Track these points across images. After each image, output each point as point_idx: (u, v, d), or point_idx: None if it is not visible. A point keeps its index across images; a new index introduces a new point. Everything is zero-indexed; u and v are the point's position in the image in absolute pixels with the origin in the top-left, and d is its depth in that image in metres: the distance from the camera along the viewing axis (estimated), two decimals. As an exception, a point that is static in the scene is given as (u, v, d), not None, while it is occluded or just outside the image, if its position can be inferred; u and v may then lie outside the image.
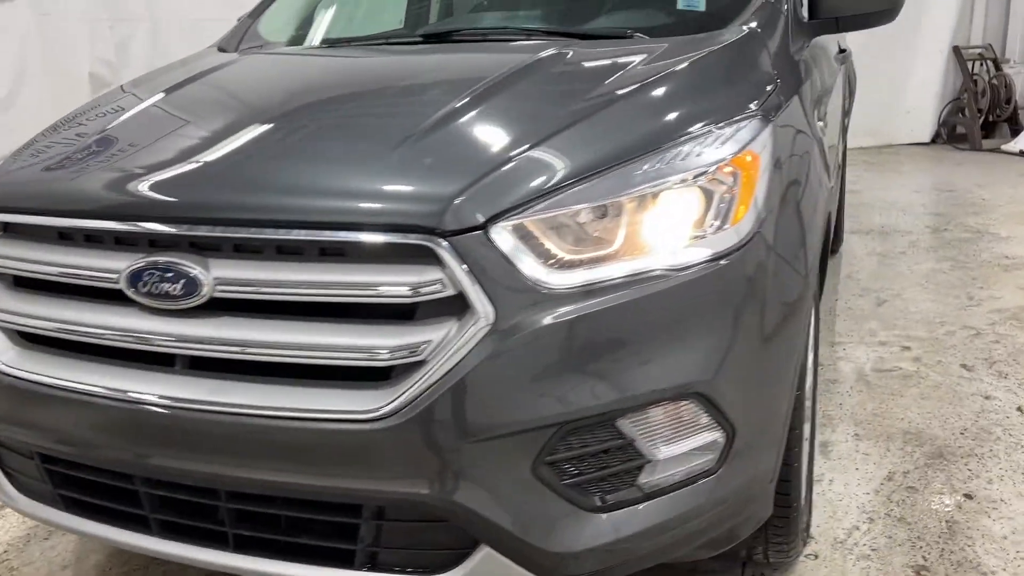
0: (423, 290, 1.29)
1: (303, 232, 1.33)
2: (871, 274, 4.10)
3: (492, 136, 1.47)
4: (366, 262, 1.33)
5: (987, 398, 2.79)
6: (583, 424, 1.34)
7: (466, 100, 1.58)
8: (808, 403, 1.93)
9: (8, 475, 1.69)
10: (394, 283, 1.30)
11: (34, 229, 1.56)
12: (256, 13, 2.64)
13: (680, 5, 2.16)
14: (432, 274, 1.29)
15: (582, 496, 1.38)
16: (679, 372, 1.37)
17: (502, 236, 1.31)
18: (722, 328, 1.41)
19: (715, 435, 1.45)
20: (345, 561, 1.42)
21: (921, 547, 2.04)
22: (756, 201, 1.48)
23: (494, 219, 1.31)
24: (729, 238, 1.43)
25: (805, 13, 2.28)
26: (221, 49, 2.47)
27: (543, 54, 1.83)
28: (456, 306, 1.30)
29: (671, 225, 1.41)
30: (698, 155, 1.46)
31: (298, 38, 2.43)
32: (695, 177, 1.43)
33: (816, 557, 2.01)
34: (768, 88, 1.76)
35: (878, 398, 2.81)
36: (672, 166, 1.43)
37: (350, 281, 1.32)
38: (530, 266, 1.31)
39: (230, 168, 1.47)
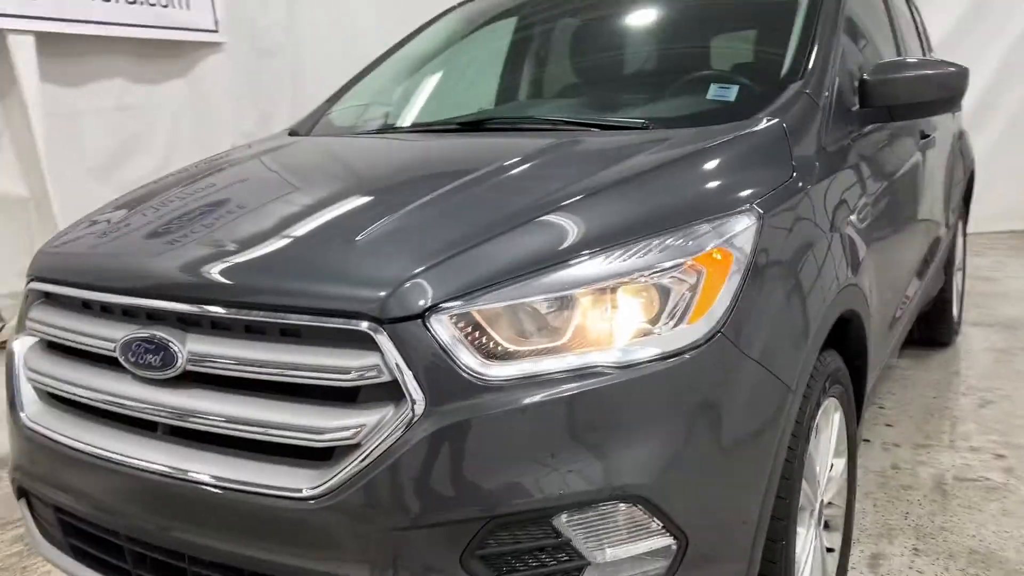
0: (363, 375, 1.34)
1: (264, 313, 1.42)
2: (982, 372, 3.79)
3: (456, 226, 1.50)
4: (317, 344, 1.39)
5: (1078, 521, 2.51)
6: (514, 519, 1.33)
7: (446, 190, 1.64)
8: (815, 513, 1.82)
9: (36, 522, 1.85)
10: (339, 367, 1.35)
11: (65, 299, 1.73)
12: (333, 99, 2.83)
13: (710, 95, 2.15)
14: (371, 359, 1.33)
15: (517, 593, 1.36)
16: (617, 473, 1.34)
17: (441, 325, 1.34)
18: (669, 431, 1.37)
19: (666, 541, 1.39)
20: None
21: None
22: (721, 300, 1.44)
23: (434, 307, 1.34)
24: (683, 337, 1.39)
25: (856, 101, 2.22)
26: (292, 132, 2.66)
27: (544, 145, 1.87)
28: (394, 392, 1.33)
29: (622, 321, 1.39)
30: (661, 251, 1.44)
31: (352, 125, 2.57)
32: (653, 274, 1.42)
33: None
34: (773, 183, 1.72)
35: (951, 510, 2.58)
36: (632, 262, 1.42)
37: (302, 362, 1.38)
38: (467, 356, 1.33)
39: (214, 250, 1.59)
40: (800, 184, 1.79)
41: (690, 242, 1.47)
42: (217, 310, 1.46)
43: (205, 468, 1.45)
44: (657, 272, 1.42)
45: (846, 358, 2.01)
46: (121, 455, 1.54)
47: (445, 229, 1.50)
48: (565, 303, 1.39)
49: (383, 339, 1.32)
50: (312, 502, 1.34)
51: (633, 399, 1.36)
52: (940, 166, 3.29)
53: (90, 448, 1.58)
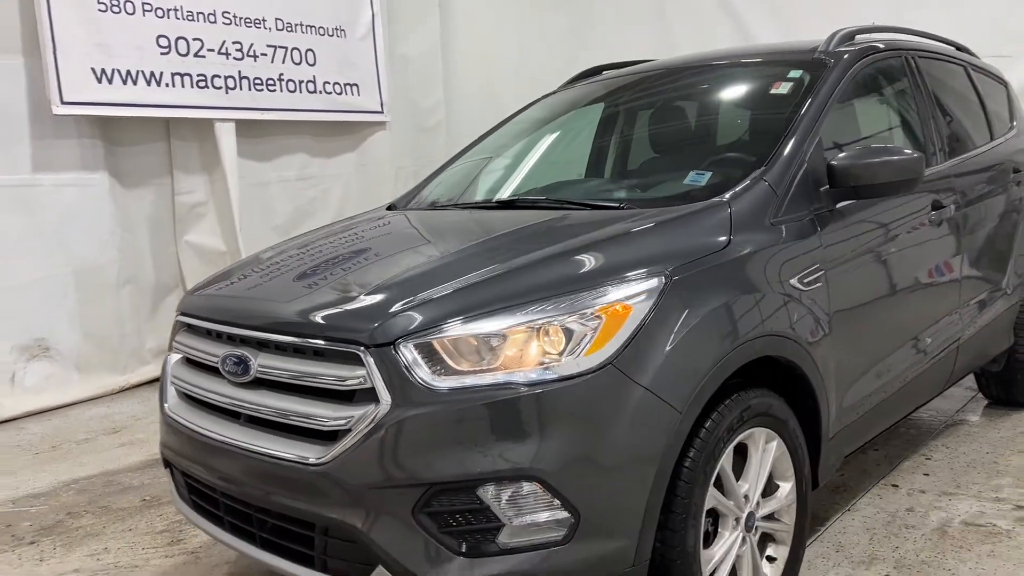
0: (353, 382, 1.98)
1: (302, 340, 2.10)
2: (1050, 432, 3.87)
3: (432, 280, 2.12)
4: (332, 361, 2.05)
5: (1064, 565, 2.69)
6: (447, 488, 1.91)
7: (440, 253, 2.28)
8: (741, 520, 2.24)
9: (175, 485, 2.62)
10: (342, 376, 2.00)
11: (196, 328, 2.50)
12: (427, 181, 3.56)
13: (686, 181, 2.65)
14: (360, 372, 1.97)
15: (451, 541, 1.92)
16: (522, 459, 1.88)
17: (406, 350, 1.95)
18: (563, 432, 1.90)
19: (564, 515, 1.92)
20: (311, 564, 2.10)
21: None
22: (616, 340, 1.96)
23: (402, 338, 1.96)
24: (579, 365, 1.93)
25: (826, 181, 2.63)
26: (390, 207, 3.40)
27: (536, 220, 2.46)
28: (374, 395, 1.96)
29: (535, 353, 1.95)
30: (574, 303, 1.99)
31: (433, 202, 3.27)
32: (563, 320, 1.97)
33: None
34: (700, 252, 2.22)
35: (941, 549, 2.83)
36: (549, 311, 1.98)
37: (322, 373, 2.04)
38: (422, 371, 1.94)
39: (281, 298, 2.30)
40: (731, 252, 2.27)
41: (597, 298, 2.01)
42: (276, 337, 2.16)
43: (263, 444, 2.13)
44: (566, 318, 1.97)
45: (796, 400, 2.43)
46: (219, 435, 2.26)
47: (424, 282, 2.13)
48: (496, 338, 1.96)
49: (368, 359, 1.96)
50: (317, 468, 1.98)
51: (537, 408, 1.91)
52: (979, 234, 3.51)
53: (202, 430, 2.32)
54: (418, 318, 1.99)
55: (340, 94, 6.38)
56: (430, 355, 1.96)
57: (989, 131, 3.97)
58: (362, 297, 2.15)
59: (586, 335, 1.96)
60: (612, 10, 8.01)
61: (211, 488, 2.36)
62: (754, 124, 2.97)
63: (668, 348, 2.04)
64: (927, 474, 3.47)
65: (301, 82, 6.09)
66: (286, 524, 2.14)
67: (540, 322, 1.97)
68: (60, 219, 5.12)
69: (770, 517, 2.41)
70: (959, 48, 4.29)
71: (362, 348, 1.98)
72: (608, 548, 1.96)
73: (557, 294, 2.02)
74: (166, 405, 2.52)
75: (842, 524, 3.05)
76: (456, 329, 1.97)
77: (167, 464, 2.61)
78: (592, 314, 1.98)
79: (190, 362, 2.51)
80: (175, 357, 2.58)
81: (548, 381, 1.92)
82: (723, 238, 2.31)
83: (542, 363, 1.94)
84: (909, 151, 2.61)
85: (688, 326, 2.09)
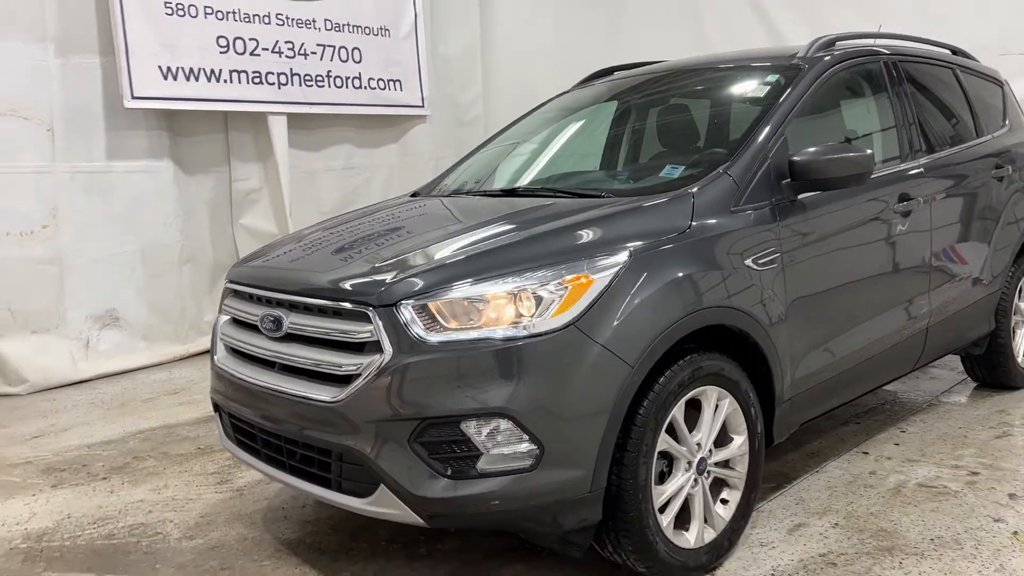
0: (363, 336, 2.42)
1: (324, 302, 2.55)
2: (1026, 412, 4.14)
3: (434, 252, 2.57)
4: (347, 319, 2.49)
5: (997, 520, 3.00)
6: (436, 422, 2.34)
7: (445, 231, 2.72)
8: (693, 464, 2.63)
9: (221, 425, 3.11)
10: (355, 331, 2.45)
11: (240, 293, 2.98)
12: (448, 171, 4.00)
13: (661, 174, 3.04)
14: (368, 327, 2.41)
15: (439, 465, 2.35)
16: (496, 399, 2.30)
17: (405, 310, 2.39)
18: (531, 378, 2.32)
19: (531, 446, 2.33)
20: (328, 485, 2.55)
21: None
22: (579, 306, 2.37)
23: (402, 300, 2.39)
24: (546, 326, 2.34)
25: (788, 175, 2.99)
26: (414, 194, 3.84)
27: (530, 206, 2.88)
28: (379, 346, 2.40)
29: (511, 314, 2.37)
30: (547, 274, 2.40)
31: (452, 190, 3.70)
32: (536, 288, 2.38)
33: (702, 586, 2.65)
34: (662, 233, 2.61)
35: (891, 504, 3.17)
36: (524, 280, 2.40)
37: (340, 328, 2.49)
38: (417, 328, 2.37)
39: (309, 268, 2.77)
40: (691, 236, 2.65)
41: (565, 270, 2.41)
42: (304, 299, 2.61)
43: (292, 387, 2.59)
44: (537, 287, 2.38)
45: (752, 366, 2.81)
46: (257, 381, 2.73)
47: (424, 256, 2.57)
48: (480, 302, 2.39)
49: (375, 317, 2.40)
50: (335, 405, 2.43)
51: (509, 359, 2.32)
52: (953, 225, 3.81)
53: (243, 377, 2.79)
54: (416, 284, 2.43)
55: (384, 89, 6.85)
56: (424, 314, 2.39)
57: (976, 129, 4.25)
58: (373, 268, 2.60)
59: (554, 301, 2.38)
60: (646, 8, 8.34)
61: (251, 425, 2.83)
62: (730, 123, 3.33)
63: (624, 314, 2.44)
64: (897, 444, 3.80)
65: (347, 78, 6.57)
66: (310, 453, 2.60)
67: (516, 290, 2.39)
68: (129, 202, 5.69)
69: (725, 465, 2.79)
70: (955, 52, 4.57)
71: (370, 308, 2.42)
72: (568, 476, 2.37)
73: (532, 267, 2.43)
74: (216, 357, 3.00)
75: (808, 483, 3.41)
76: (446, 294, 2.40)
77: (216, 408, 3.09)
78: (560, 284, 2.39)
79: (235, 322, 2.99)
80: (224, 318, 3.06)
81: (520, 337, 2.34)
82: (685, 223, 2.70)
83: (516, 323, 2.36)
84: (861, 149, 2.95)
85: (642, 296, 2.48)
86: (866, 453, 3.70)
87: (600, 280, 2.43)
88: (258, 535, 3.16)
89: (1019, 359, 4.47)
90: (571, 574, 2.75)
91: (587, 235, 2.61)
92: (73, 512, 3.43)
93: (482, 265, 2.47)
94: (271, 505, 3.42)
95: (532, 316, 2.37)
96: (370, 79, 6.74)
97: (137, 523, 3.31)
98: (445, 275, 2.45)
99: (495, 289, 2.40)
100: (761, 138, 3.00)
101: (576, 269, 2.43)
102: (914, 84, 3.86)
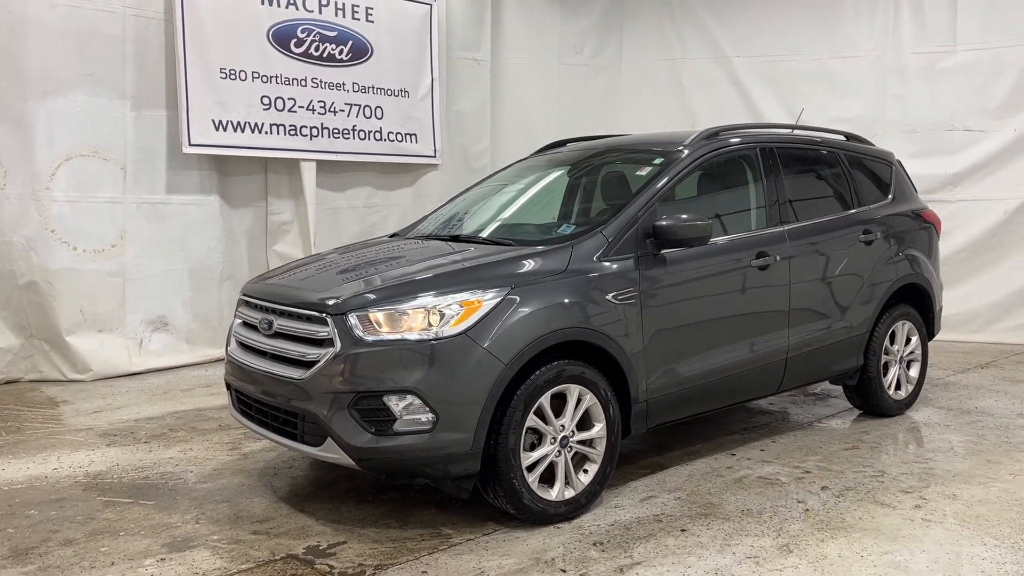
0: (323, 334, 3.54)
1: (296, 309, 3.67)
2: (883, 433, 5.05)
3: (378, 279, 3.70)
4: (312, 322, 3.61)
5: (800, 502, 3.96)
6: (367, 395, 3.43)
7: (394, 261, 3.85)
8: (557, 439, 3.67)
9: (231, 398, 4.23)
10: (317, 331, 3.57)
11: (247, 302, 4.11)
12: (424, 218, 5.13)
13: (558, 230, 4.13)
14: (326, 329, 3.53)
15: (368, 425, 3.44)
16: (407, 381, 3.39)
17: (351, 317, 3.49)
18: (434, 367, 3.39)
19: (431, 415, 3.41)
20: (295, 438, 3.66)
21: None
22: (469, 320, 3.46)
23: (349, 310, 3.50)
24: (447, 332, 3.43)
25: (652, 235, 4.05)
26: (393, 235, 4.98)
27: (457, 248, 4.01)
28: (332, 342, 3.51)
29: (423, 324, 3.46)
30: (452, 298, 3.49)
31: (423, 234, 4.81)
32: (443, 306, 3.47)
33: (559, 528, 3.67)
34: (542, 273, 3.69)
35: (729, 489, 4.14)
36: (436, 300, 3.49)
37: (307, 329, 3.61)
38: (359, 330, 3.47)
39: (292, 286, 3.91)
40: (565, 276, 3.73)
41: (465, 295, 3.50)
42: (287, 308, 3.75)
43: (277, 369, 3.71)
44: (445, 305, 3.47)
45: (614, 373, 3.86)
46: (254, 365, 3.85)
47: (372, 280, 3.70)
48: (403, 314, 3.48)
49: (330, 322, 3.51)
50: (302, 381, 3.54)
51: (420, 354, 3.41)
52: (816, 278, 4.80)
53: (246, 363, 3.92)
54: (361, 301, 3.54)
55: (401, 141, 8.04)
56: (365, 321, 3.50)
57: (854, 201, 5.23)
58: (334, 288, 3.72)
59: (454, 316, 3.47)
60: (638, 82, 9.48)
61: (249, 397, 3.96)
62: (619, 194, 4.39)
63: (503, 328, 3.51)
64: (763, 450, 4.76)
65: (370, 132, 7.78)
66: (285, 415, 3.71)
67: (429, 307, 3.48)
68: (182, 229, 6.96)
69: (589, 444, 3.82)
70: (848, 137, 5.58)
71: (327, 315, 3.54)
72: (455, 438, 3.44)
73: (442, 292, 3.53)
74: (228, 348, 4.15)
75: (676, 471, 4.40)
76: (380, 308, 3.50)
77: (228, 386, 4.23)
78: (460, 304, 3.49)
79: (243, 323, 4.13)
80: (237, 320, 4.21)
81: (428, 340, 3.43)
82: (562, 266, 3.77)
83: (426, 330, 3.45)
84: (704, 218, 4.00)
85: (517, 316, 3.56)
86: (733, 454, 4.67)
87: (487, 303, 3.52)
88: (253, 483, 4.27)
89: (890, 392, 5.39)
90: (467, 517, 3.79)
91: (486, 272, 3.71)
92: (120, 462, 4.59)
93: (409, 289, 3.58)
94: (267, 466, 4.54)
95: (438, 326, 3.46)
96: (389, 133, 7.94)
97: (167, 471, 4.45)
98: (382, 295, 3.57)
99: (414, 305, 3.50)
100: (632, 207, 4.07)
101: (473, 295, 3.52)
102: (790, 166, 4.88)
